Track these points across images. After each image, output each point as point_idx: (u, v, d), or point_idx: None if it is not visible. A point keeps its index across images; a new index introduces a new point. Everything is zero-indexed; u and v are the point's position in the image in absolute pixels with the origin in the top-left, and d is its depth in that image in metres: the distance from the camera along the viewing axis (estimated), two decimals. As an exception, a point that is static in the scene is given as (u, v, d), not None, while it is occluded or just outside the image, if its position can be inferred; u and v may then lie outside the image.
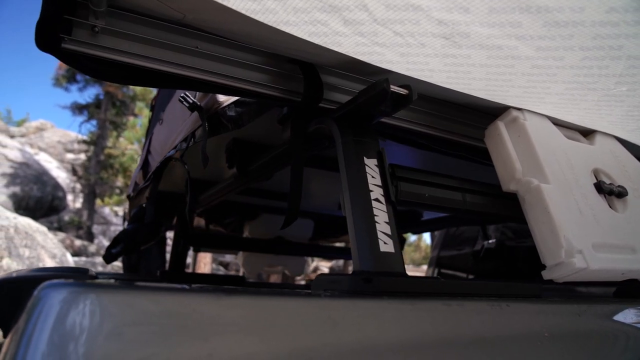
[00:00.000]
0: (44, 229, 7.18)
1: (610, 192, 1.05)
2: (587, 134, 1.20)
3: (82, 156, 16.73)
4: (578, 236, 0.90)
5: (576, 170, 1.03)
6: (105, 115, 15.04)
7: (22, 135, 21.55)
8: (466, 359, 0.66)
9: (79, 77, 14.88)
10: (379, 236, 0.78)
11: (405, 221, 2.84)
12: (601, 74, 0.76)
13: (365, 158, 0.86)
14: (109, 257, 2.28)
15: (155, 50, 0.89)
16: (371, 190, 0.83)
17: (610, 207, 1.05)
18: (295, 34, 0.76)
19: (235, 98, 1.11)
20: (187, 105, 1.16)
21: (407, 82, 0.89)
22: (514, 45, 0.68)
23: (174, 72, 0.91)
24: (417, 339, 0.65)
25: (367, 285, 0.71)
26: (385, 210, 0.82)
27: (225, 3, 0.69)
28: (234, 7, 0.71)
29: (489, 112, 1.10)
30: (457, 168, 1.48)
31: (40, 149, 19.62)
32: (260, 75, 0.97)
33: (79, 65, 0.83)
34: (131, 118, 16.08)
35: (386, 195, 0.84)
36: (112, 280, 0.62)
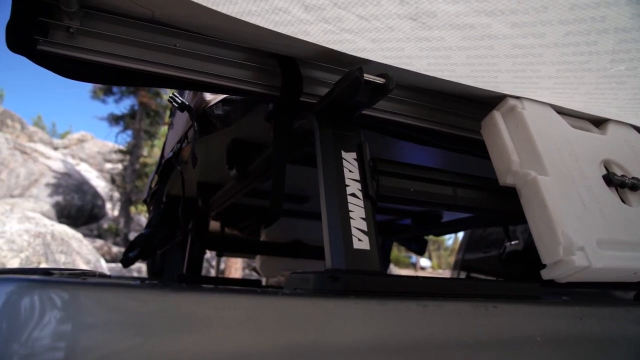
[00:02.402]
0: (79, 235, 7.48)
1: (622, 184, 0.96)
2: (599, 123, 1.11)
3: (120, 165, 17.36)
4: (579, 232, 0.82)
5: (581, 161, 0.95)
6: (139, 125, 15.58)
7: (65, 147, 22.63)
8: (439, 364, 0.61)
9: (114, 89, 15.49)
10: (353, 232, 0.74)
11: (425, 223, 2.76)
12: (591, 51, 0.69)
13: (343, 151, 0.83)
14: (126, 261, 2.33)
15: (133, 50, 0.88)
16: (347, 185, 0.79)
17: (622, 200, 0.96)
18: (260, 25, 0.73)
19: (223, 96, 1.10)
20: (176, 105, 1.15)
21: (389, 72, 0.85)
22: (487, 23, 0.63)
23: (153, 71, 0.90)
24: (384, 341, 0.60)
25: (333, 283, 0.67)
26: (362, 206, 0.78)
27: (184, -6, 0.68)
28: (194, -1, 0.69)
29: (486, 102, 1.04)
30: (469, 165, 1.41)
31: (81, 159, 20.53)
32: (242, 71, 0.95)
33: (55, 67, 0.84)
34: (164, 127, 16.57)
35: (364, 189, 0.79)
36: (68, 277, 0.63)
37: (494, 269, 3.09)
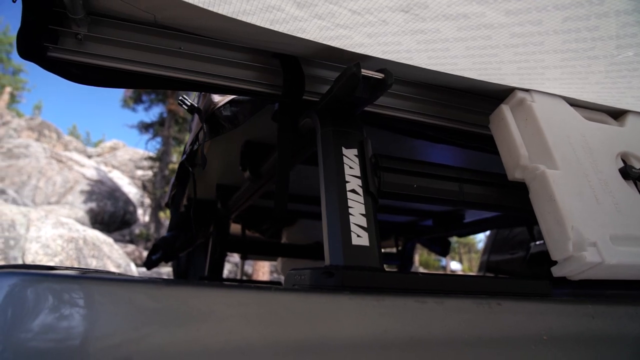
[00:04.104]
0: (110, 240, 7.73)
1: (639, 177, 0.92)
2: (618, 115, 1.07)
3: (150, 172, 17.82)
4: (592, 227, 0.79)
5: (596, 154, 0.92)
6: (168, 132, 15.95)
7: (98, 155, 23.42)
8: (434, 361, 0.59)
9: (144, 97, 15.93)
10: (352, 229, 0.73)
11: (447, 224, 2.71)
12: (594, 37, 0.66)
13: (343, 148, 0.82)
14: (149, 264, 2.38)
15: (139, 54, 0.91)
16: (347, 181, 0.78)
17: (641, 194, 0.92)
18: (257, 24, 0.74)
19: (230, 97, 1.11)
20: (185, 107, 1.18)
21: (395, 68, 0.84)
22: (480, 12, 0.61)
23: (159, 73, 0.92)
24: (379, 338, 0.59)
25: (328, 279, 0.66)
26: (362, 202, 0.77)
27: (179, -4, 0.69)
28: (190, 1, 0.70)
29: (495, 97, 1.02)
30: (486, 162, 1.38)
31: (114, 167, 21.19)
32: (246, 72, 0.96)
33: (63, 72, 0.87)
34: (192, 134, 16.87)
35: (365, 186, 0.79)
36: (63, 272, 0.65)
37: (521, 271, 3.00)
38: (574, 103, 0.99)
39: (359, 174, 0.80)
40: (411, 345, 0.60)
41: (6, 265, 0.69)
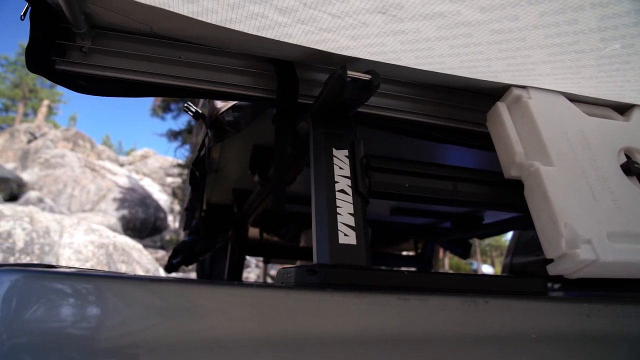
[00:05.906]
0: (139, 246, 7.96)
1: (643, 173, 0.90)
2: (624, 109, 1.04)
3: (179, 179, 18.23)
4: (587, 224, 0.78)
5: (595, 150, 0.90)
6: (196, 140, 16.27)
7: (130, 163, 24.15)
8: (414, 358, 0.60)
9: (172, 105, 16.33)
10: (339, 228, 0.74)
11: (466, 225, 2.67)
12: (575, 30, 0.65)
13: (334, 149, 0.84)
14: (170, 268, 2.45)
15: (141, 64, 0.95)
16: (337, 182, 0.80)
17: (645, 190, 0.89)
18: (245, 31, 0.77)
19: (232, 103, 1.15)
20: (191, 114, 1.22)
21: (388, 70, 0.85)
22: (455, 10, 0.61)
23: (161, 82, 0.96)
24: (358, 334, 0.60)
25: (312, 277, 0.68)
26: (351, 202, 0.78)
27: (169, 8, 0.72)
28: (178, 12, 0.73)
29: (493, 94, 1.01)
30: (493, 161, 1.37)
31: (145, 174, 21.79)
32: (243, 77, 0.99)
33: (71, 84, 0.92)
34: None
35: (354, 186, 0.80)
36: (57, 270, 0.69)
37: (543, 272, 2.92)
38: (576, 99, 0.98)
39: (348, 174, 0.81)
40: (392, 343, 0.61)
41: (7, 264, 0.74)
